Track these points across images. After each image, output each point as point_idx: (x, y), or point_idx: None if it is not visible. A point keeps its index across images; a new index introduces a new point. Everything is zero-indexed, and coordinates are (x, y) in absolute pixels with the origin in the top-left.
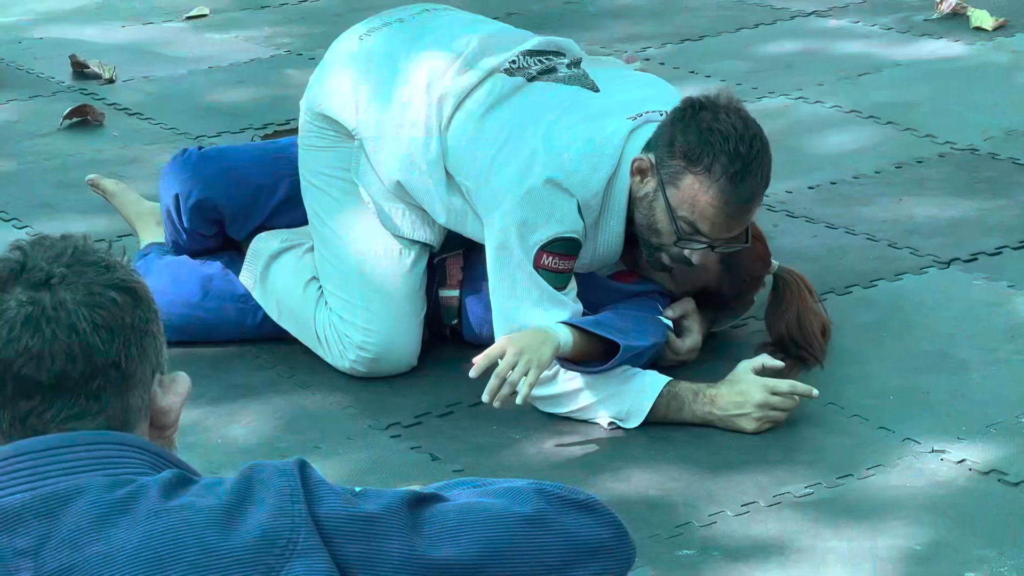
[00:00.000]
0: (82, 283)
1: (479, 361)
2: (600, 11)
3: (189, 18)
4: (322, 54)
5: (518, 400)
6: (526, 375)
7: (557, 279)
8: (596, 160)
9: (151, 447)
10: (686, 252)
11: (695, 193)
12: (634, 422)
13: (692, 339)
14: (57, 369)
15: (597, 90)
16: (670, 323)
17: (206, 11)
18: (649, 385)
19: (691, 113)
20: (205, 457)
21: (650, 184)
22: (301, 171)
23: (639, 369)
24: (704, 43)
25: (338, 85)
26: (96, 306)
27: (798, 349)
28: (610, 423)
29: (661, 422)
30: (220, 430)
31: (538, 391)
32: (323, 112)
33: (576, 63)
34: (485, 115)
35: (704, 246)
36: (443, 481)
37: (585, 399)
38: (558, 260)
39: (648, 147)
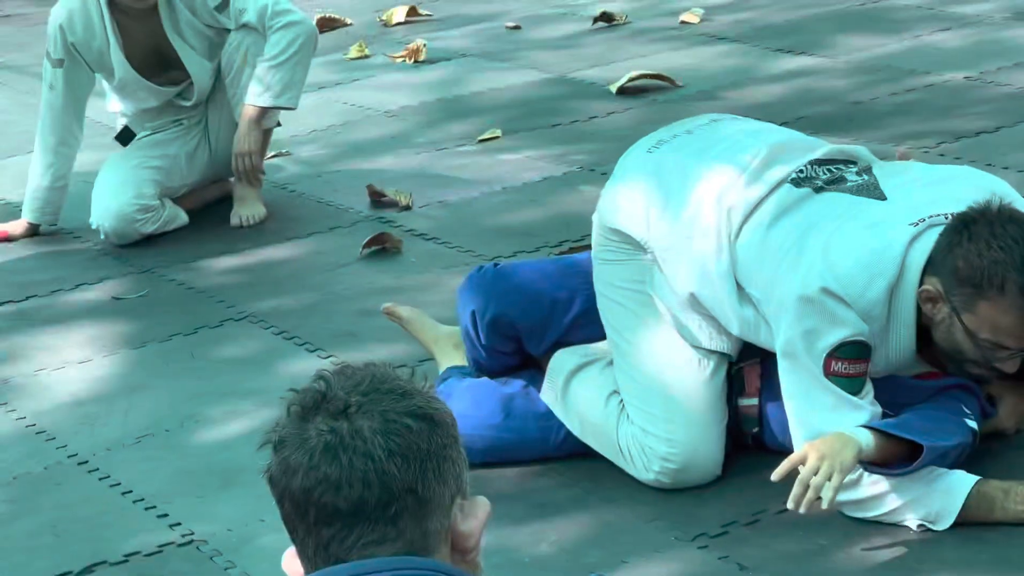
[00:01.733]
0: (378, 411)
1: (782, 467)
2: (890, 109)
3: (481, 140)
4: (614, 169)
5: (824, 505)
6: (829, 479)
7: (851, 384)
8: (874, 270)
9: (453, 571)
10: (997, 364)
11: (994, 316)
12: (944, 524)
13: (1005, 407)
14: (354, 496)
15: (885, 198)
16: (975, 425)
17: (498, 133)
18: (956, 485)
19: (967, 234)
20: None
21: (943, 310)
22: (596, 285)
23: (945, 469)
24: (1000, 135)
25: (628, 199)
26: (391, 433)
27: None
28: (919, 525)
29: (973, 521)
30: (527, 550)
31: (843, 496)
32: (614, 227)
33: (866, 170)
34: (771, 226)
35: (1014, 353)
36: None
37: (891, 503)
38: (848, 365)
39: (932, 270)
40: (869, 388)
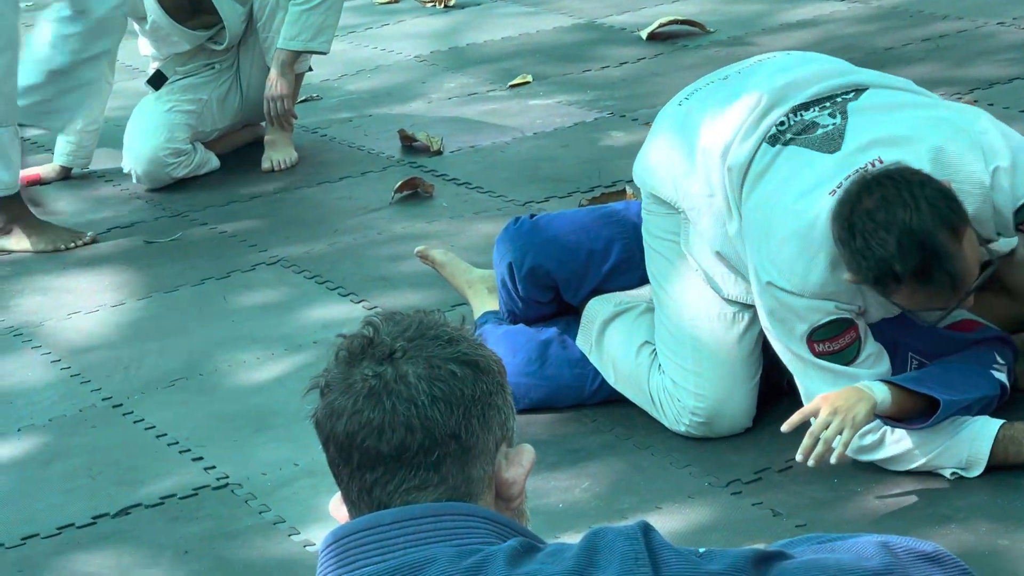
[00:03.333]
0: (423, 357)
1: (793, 418)
2: (921, 55)
3: (512, 86)
4: (645, 114)
5: (832, 460)
6: (840, 434)
7: (842, 357)
8: (808, 253)
9: (496, 517)
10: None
11: (910, 298)
12: (976, 471)
13: None
14: (397, 441)
15: (838, 149)
16: (1004, 378)
17: (529, 78)
18: (981, 432)
19: (848, 230)
20: (548, 523)
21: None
22: (643, 233)
23: (968, 417)
24: (997, 91)
25: (657, 158)
26: (436, 379)
27: None
28: (952, 473)
29: (1006, 467)
30: (561, 495)
31: (868, 456)
32: (649, 191)
33: (842, 111)
34: (750, 195)
35: (941, 310)
36: (786, 539)
37: (918, 458)
38: (831, 343)
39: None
40: (868, 349)
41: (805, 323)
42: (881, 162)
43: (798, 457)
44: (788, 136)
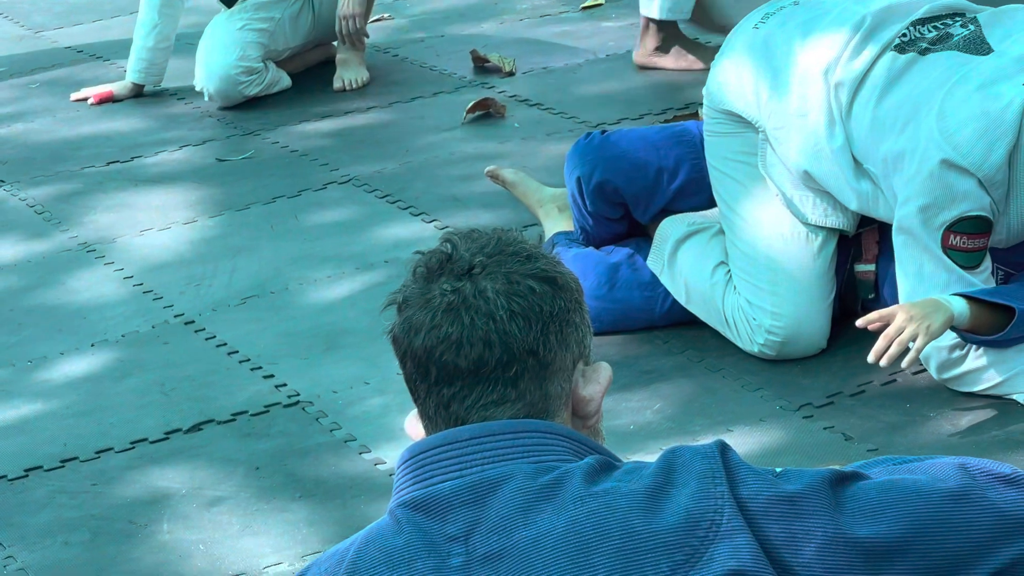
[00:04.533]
0: (502, 272)
1: (869, 316)
2: None
3: (585, 8)
4: (717, 38)
5: (903, 364)
6: (914, 341)
7: (968, 259)
8: (994, 135)
9: (573, 434)
10: None
11: None
12: None
13: None
14: (475, 355)
15: (992, 51)
16: None
17: (601, 0)
18: None
19: None
20: (619, 444)
21: None
22: (707, 158)
23: None
24: None
25: (737, 78)
26: (514, 295)
27: None
28: None
29: None
30: (632, 416)
31: (948, 372)
32: (725, 108)
33: (972, 21)
34: (881, 98)
35: None
36: (862, 461)
37: (997, 376)
38: (967, 239)
39: None
40: (987, 264)
41: (956, 210)
42: None
43: (870, 358)
44: (923, 45)
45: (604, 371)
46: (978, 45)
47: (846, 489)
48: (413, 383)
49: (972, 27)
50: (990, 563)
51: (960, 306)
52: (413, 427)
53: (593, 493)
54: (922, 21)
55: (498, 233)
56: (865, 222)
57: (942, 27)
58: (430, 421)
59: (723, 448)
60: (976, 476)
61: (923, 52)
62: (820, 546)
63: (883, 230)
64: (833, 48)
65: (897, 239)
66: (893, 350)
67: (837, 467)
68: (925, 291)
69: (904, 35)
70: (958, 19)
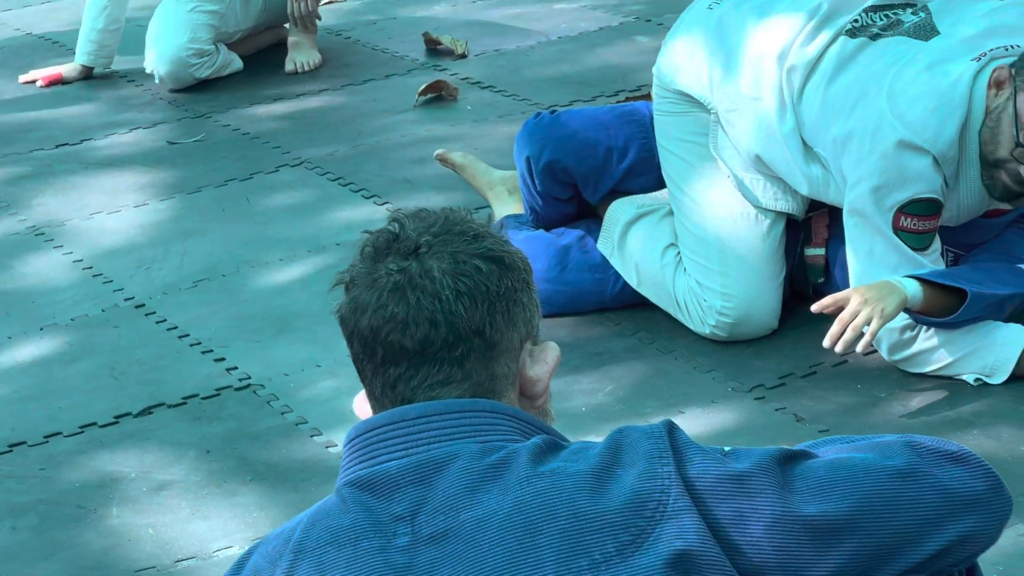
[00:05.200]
0: (449, 252)
1: (823, 300)
2: None
3: None
4: (670, 19)
5: (858, 348)
6: (868, 324)
7: (918, 240)
8: (945, 111)
9: (520, 414)
10: (1022, 170)
11: None
12: (1000, 377)
13: None
14: (421, 335)
15: (939, 33)
16: None
17: None
18: (1012, 338)
19: None
20: (571, 426)
21: (1004, 95)
22: (657, 138)
23: (1001, 323)
24: None
25: (690, 58)
26: (461, 274)
27: None
28: (976, 379)
29: None
30: (584, 398)
31: (899, 352)
32: (677, 88)
33: (923, 8)
34: (832, 81)
35: None
36: (812, 440)
37: (947, 356)
38: (917, 221)
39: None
40: (936, 245)
41: (907, 191)
42: (1014, 47)
43: (825, 343)
44: (874, 31)
45: (552, 351)
46: (928, 31)
47: (794, 468)
48: (360, 363)
49: (923, 14)
50: (936, 540)
51: (913, 288)
52: (361, 407)
53: (539, 473)
54: (874, 8)
55: (445, 212)
56: (815, 206)
57: (893, 15)
58: (377, 401)
59: (670, 428)
60: (923, 454)
61: (874, 37)
62: (768, 524)
63: (833, 214)
64: (788, 33)
65: (848, 220)
66: (848, 335)
67: (785, 446)
68: (876, 272)
69: (856, 21)
70: (909, 8)
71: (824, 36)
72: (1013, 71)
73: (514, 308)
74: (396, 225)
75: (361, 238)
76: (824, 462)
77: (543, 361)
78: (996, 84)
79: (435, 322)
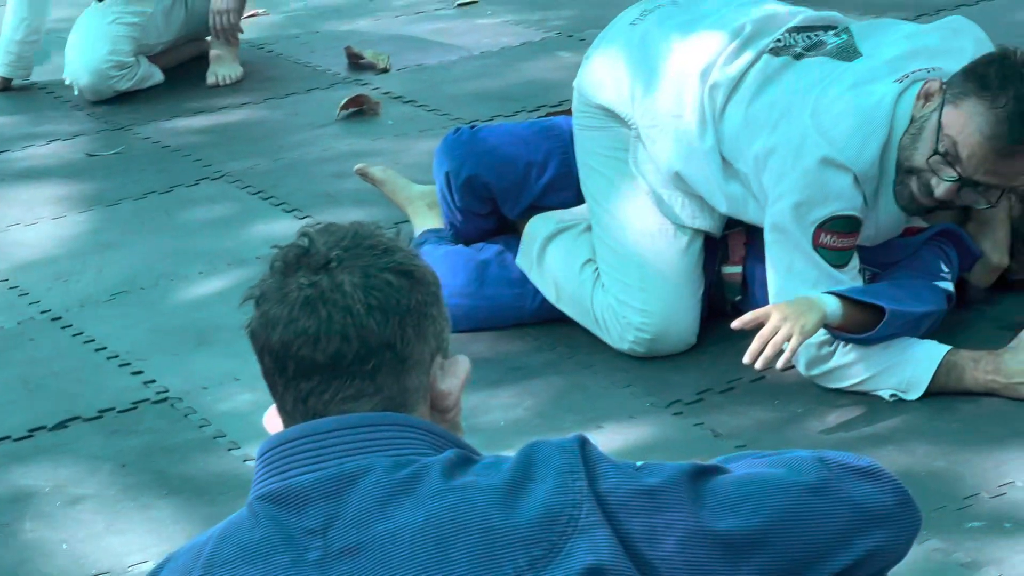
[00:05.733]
0: (359, 266)
1: (744, 317)
2: None
3: (460, 5)
4: (593, 35)
5: (778, 364)
6: (788, 340)
7: (837, 256)
8: (868, 129)
9: (432, 428)
10: (932, 182)
11: (970, 115)
12: (915, 393)
13: (987, 243)
14: (332, 350)
15: (861, 55)
16: (950, 288)
17: None
18: (928, 355)
19: (1002, 55)
20: (489, 439)
21: (930, 107)
22: (577, 152)
23: (916, 340)
24: (979, 8)
25: (612, 74)
26: (371, 288)
27: None
28: (892, 395)
29: (943, 392)
30: (503, 412)
31: (816, 368)
32: (598, 102)
33: (845, 31)
34: (754, 98)
35: (953, 179)
36: (724, 455)
37: (863, 372)
38: (837, 238)
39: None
40: (855, 263)
41: (828, 208)
42: (935, 69)
43: (745, 359)
44: (797, 51)
45: (462, 364)
46: (851, 53)
47: (706, 483)
48: (271, 378)
49: (845, 36)
50: (847, 554)
51: (833, 305)
52: (272, 422)
53: (451, 487)
54: (797, 29)
55: (355, 227)
56: (732, 224)
57: (815, 37)
58: (288, 416)
59: (583, 442)
60: (833, 469)
61: (797, 57)
62: (680, 539)
63: (750, 232)
64: (711, 51)
65: (769, 236)
66: (768, 352)
67: (698, 461)
68: (795, 288)
69: (779, 41)
70: (831, 30)
71: (747, 55)
72: (944, 86)
73: (424, 322)
74: (305, 239)
75: (271, 252)
76: (735, 477)
77: (454, 375)
78: (925, 96)
79: (347, 336)
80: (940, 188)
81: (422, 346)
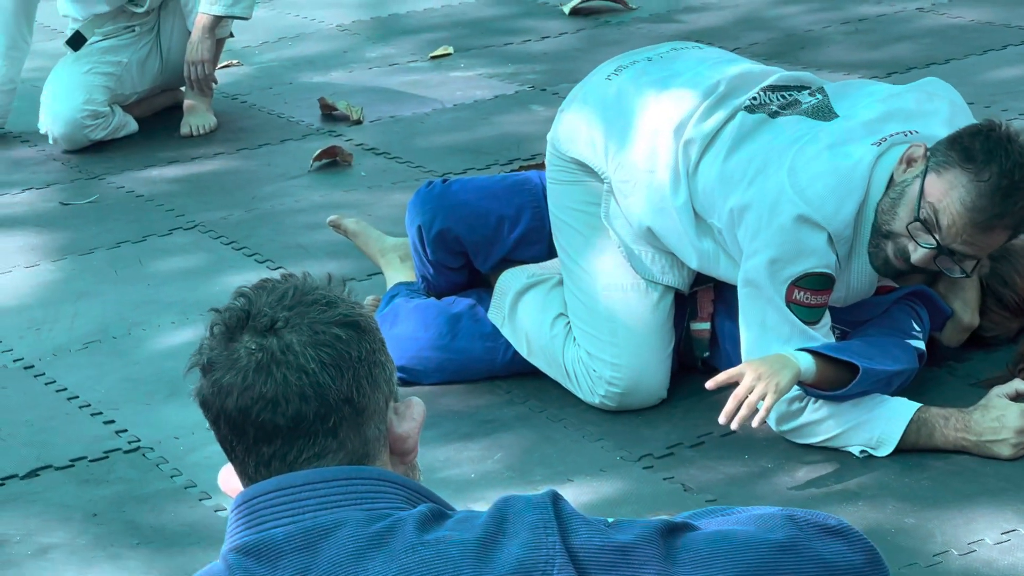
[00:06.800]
0: (306, 324)
1: (718, 377)
2: (840, 37)
3: (433, 57)
4: (566, 89)
5: (754, 423)
6: (763, 399)
7: (810, 314)
8: (844, 190)
9: (407, 482)
10: (910, 247)
11: (953, 185)
12: (885, 450)
13: (958, 303)
14: (292, 411)
15: (837, 115)
16: (921, 345)
17: (450, 50)
18: (898, 412)
19: (988, 128)
20: (460, 492)
21: (913, 172)
22: (550, 206)
23: (888, 396)
24: (950, 67)
25: (586, 127)
26: (322, 345)
27: None
28: (862, 451)
29: (914, 449)
30: (473, 465)
31: (787, 423)
32: (572, 156)
33: (819, 91)
34: (729, 155)
35: (931, 247)
36: (693, 510)
37: (834, 428)
38: (810, 295)
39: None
40: (826, 320)
41: (802, 265)
42: (912, 132)
43: (721, 419)
44: (773, 109)
45: (417, 406)
46: (826, 112)
47: (677, 539)
48: (229, 444)
49: (820, 96)
50: None
51: (806, 362)
52: (227, 482)
53: (425, 542)
54: (772, 88)
55: (292, 281)
56: (701, 280)
57: (790, 96)
58: (251, 480)
59: (555, 498)
60: (803, 527)
61: (773, 115)
62: None
63: (719, 289)
64: (685, 108)
65: (742, 291)
66: (743, 412)
67: (667, 517)
68: (768, 343)
69: (754, 99)
70: (805, 90)
71: (722, 113)
72: (928, 152)
73: (375, 370)
74: (244, 300)
75: (208, 316)
76: (706, 534)
77: (410, 418)
78: (908, 160)
79: (304, 396)
80: (917, 254)
81: (376, 394)
